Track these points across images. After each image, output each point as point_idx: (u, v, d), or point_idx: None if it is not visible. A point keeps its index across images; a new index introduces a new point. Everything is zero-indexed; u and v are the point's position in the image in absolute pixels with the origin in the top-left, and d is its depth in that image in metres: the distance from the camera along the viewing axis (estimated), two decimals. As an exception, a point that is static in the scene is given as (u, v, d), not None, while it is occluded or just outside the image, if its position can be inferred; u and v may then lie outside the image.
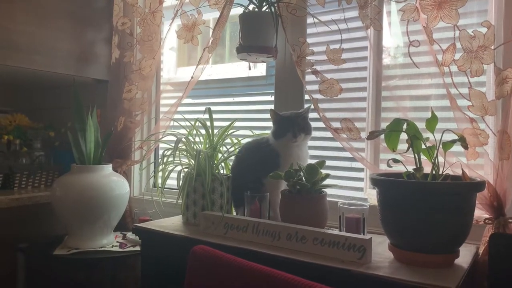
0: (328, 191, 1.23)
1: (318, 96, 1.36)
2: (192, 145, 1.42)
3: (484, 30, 1.08)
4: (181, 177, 1.38)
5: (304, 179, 1.20)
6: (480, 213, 1.09)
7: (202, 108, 1.78)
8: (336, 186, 1.31)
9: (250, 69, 1.58)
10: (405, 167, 1.03)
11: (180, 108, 1.73)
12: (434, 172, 1.00)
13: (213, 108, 1.76)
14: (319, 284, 0.73)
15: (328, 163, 1.44)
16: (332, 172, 1.43)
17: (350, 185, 1.46)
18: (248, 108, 1.73)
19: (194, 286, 0.90)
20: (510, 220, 1.05)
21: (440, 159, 1.02)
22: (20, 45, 1.62)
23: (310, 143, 1.42)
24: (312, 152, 1.49)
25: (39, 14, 1.67)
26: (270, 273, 0.81)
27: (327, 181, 1.22)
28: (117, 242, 1.63)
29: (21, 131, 1.88)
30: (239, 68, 1.76)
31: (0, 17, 1.55)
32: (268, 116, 1.62)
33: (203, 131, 1.45)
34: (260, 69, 1.72)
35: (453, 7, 1.12)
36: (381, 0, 1.30)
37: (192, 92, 1.73)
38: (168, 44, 1.93)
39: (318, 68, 1.37)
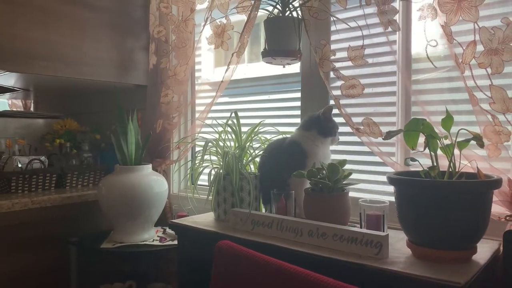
0: (359, 186, 1.27)
1: (341, 96, 1.39)
2: (222, 145, 1.51)
3: (504, 25, 1.08)
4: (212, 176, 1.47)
5: (326, 177, 1.25)
6: (502, 209, 1.10)
7: (239, 106, 1.88)
8: (358, 183, 1.35)
9: (284, 66, 1.62)
10: (421, 165, 1.05)
11: (218, 107, 1.84)
12: (450, 170, 1.02)
13: (248, 105, 1.85)
14: (328, 279, 0.78)
15: (360, 158, 1.50)
16: (363, 167, 1.48)
17: (383, 180, 1.46)
18: (283, 105, 1.78)
19: (219, 277, 0.99)
20: (532, 217, 1.04)
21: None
22: (68, 57, 1.77)
23: (345, 138, 1.50)
24: (344, 148, 1.54)
25: (84, 28, 1.82)
26: (286, 268, 0.87)
27: (353, 176, 1.27)
28: (158, 236, 1.75)
29: (71, 135, 2.06)
30: (274, 66, 1.80)
31: (50, 32, 1.71)
32: (299, 112, 1.67)
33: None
34: (294, 66, 1.74)
35: (472, 4, 1.12)
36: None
37: (230, 91, 1.85)
38: (205, 46, 2.01)
39: (341, 67, 1.40)
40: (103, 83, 1.98)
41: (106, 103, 2.35)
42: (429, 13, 1.19)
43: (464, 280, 0.86)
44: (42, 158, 1.93)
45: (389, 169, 1.33)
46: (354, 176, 1.42)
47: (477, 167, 1.01)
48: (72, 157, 2.06)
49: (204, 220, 1.45)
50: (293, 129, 1.49)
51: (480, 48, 1.12)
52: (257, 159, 1.52)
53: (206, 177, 1.55)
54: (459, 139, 1.02)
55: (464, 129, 1.02)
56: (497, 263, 1.05)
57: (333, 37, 1.51)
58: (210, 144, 1.48)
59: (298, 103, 1.67)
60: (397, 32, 1.33)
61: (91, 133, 2.16)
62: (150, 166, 1.76)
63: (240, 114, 1.83)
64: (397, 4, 1.30)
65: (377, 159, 1.37)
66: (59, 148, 2.06)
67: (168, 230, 1.77)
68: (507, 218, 1.08)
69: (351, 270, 1.00)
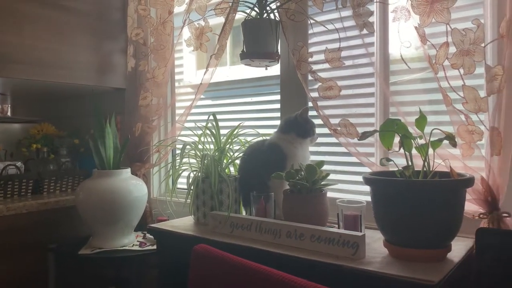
0: (337, 186, 1.31)
1: (319, 98, 1.40)
2: (201, 148, 1.50)
3: (475, 27, 1.10)
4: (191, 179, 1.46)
5: (304, 178, 1.25)
6: (475, 207, 1.11)
7: (221, 109, 1.87)
8: (336, 184, 1.35)
9: (266, 69, 1.62)
10: (396, 165, 1.06)
11: (200, 110, 1.87)
12: (425, 169, 1.03)
13: (230, 108, 1.85)
14: (303, 280, 0.78)
15: (338, 158, 1.51)
16: (342, 168, 1.49)
17: (361, 180, 1.45)
18: (264, 107, 1.78)
19: (195, 281, 0.98)
20: (504, 215, 1.06)
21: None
22: (44, 61, 1.74)
23: (324, 139, 1.50)
24: (323, 149, 1.55)
25: (60, 31, 1.80)
26: (262, 270, 0.87)
27: (332, 177, 1.28)
28: (138, 241, 1.73)
29: (48, 140, 2.03)
30: (256, 68, 1.79)
31: (26, 36, 1.68)
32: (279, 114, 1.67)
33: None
34: (276, 69, 1.72)
35: (444, 6, 1.14)
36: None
37: (213, 93, 1.87)
38: (187, 48, 2.00)
39: (318, 69, 1.41)
40: (81, 87, 1.95)
41: (84, 107, 2.32)
42: (402, 14, 1.21)
43: (438, 279, 0.87)
44: (18, 163, 1.89)
45: (367, 169, 1.34)
46: (333, 176, 1.44)
47: (450, 166, 1.02)
48: (50, 162, 2.02)
49: (184, 224, 1.44)
50: (273, 131, 1.48)
51: (452, 49, 1.14)
52: (237, 161, 1.52)
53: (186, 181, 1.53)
54: (433, 139, 1.03)
55: (438, 129, 1.03)
56: (472, 260, 1.07)
57: (310, 40, 1.51)
58: (188, 147, 1.48)
59: (279, 105, 1.67)
60: (375, 34, 1.34)
61: (69, 137, 2.13)
62: (128, 170, 1.74)
63: (222, 116, 1.83)
64: (372, 7, 1.32)
65: (355, 159, 1.38)
66: (36, 153, 2.02)
67: (148, 235, 1.75)
68: (481, 216, 1.10)
69: (328, 271, 1.01)
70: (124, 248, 1.65)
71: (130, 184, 1.68)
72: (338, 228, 1.17)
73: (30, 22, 1.70)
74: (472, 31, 1.10)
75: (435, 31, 1.19)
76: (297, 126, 1.39)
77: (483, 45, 1.09)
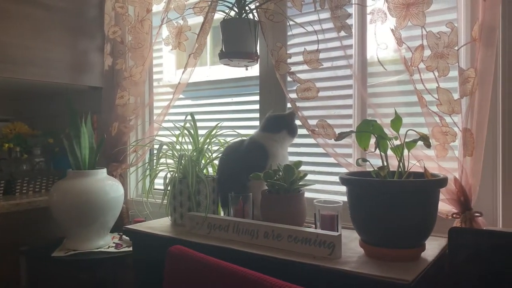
0: (315, 187, 1.33)
1: (297, 99, 1.41)
2: (178, 148, 1.48)
3: (449, 30, 1.12)
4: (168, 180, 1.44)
5: (282, 179, 1.25)
6: (449, 207, 1.14)
7: (201, 109, 1.86)
8: (313, 184, 1.36)
9: (246, 69, 1.61)
10: (372, 166, 1.07)
11: (179, 110, 1.86)
12: (400, 170, 1.05)
13: (210, 108, 1.83)
14: (278, 280, 0.78)
15: (316, 159, 1.51)
16: (320, 168, 1.50)
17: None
18: (244, 108, 1.77)
19: (170, 283, 0.97)
20: (476, 214, 1.09)
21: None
22: (17, 57, 1.70)
23: (302, 140, 1.51)
24: (301, 149, 1.55)
25: (34, 28, 1.75)
26: (237, 271, 0.86)
27: (310, 177, 1.29)
28: (114, 243, 1.70)
29: (21, 139, 1.97)
30: (237, 68, 1.78)
31: (-1, 33, 1.64)
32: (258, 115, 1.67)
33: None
34: (257, 69, 1.71)
35: (420, 9, 1.16)
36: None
37: (193, 93, 1.86)
38: (167, 47, 1.97)
39: (297, 71, 1.42)
40: (56, 85, 1.91)
41: (60, 106, 2.26)
42: (379, 17, 1.22)
43: (412, 277, 0.88)
44: (-11, 163, 1.83)
45: (345, 170, 1.34)
46: (310, 177, 1.44)
47: (424, 166, 1.04)
48: (23, 162, 1.96)
49: (160, 225, 1.42)
50: (252, 131, 1.48)
51: (427, 52, 1.16)
52: (216, 162, 1.51)
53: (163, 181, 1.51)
54: (408, 140, 1.04)
55: (412, 130, 1.05)
56: (445, 258, 1.09)
57: (289, 41, 1.52)
58: (165, 147, 1.46)
59: (257, 106, 1.67)
60: (353, 37, 1.35)
61: (44, 137, 2.07)
62: (104, 170, 1.70)
63: (202, 116, 1.81)
64: (350, 9, 1.33)
65: (333, 160, 1.38)
66: (8, 153, 1.96)
67: (125, 236, 1.72)
68: (454, 215, 1.12)
69: (305, 271, 1.01)
70: (99, 250, 1.62)
71: (106, 185, 1.65)
72: (315, 228, 1.17)
73: (3, 18, 1.65)
74: (446, 34, 1.12)
75: (411, 34, 1.20)
76: (288, 125, 1.39)
77: (456, 48, 1.11)
